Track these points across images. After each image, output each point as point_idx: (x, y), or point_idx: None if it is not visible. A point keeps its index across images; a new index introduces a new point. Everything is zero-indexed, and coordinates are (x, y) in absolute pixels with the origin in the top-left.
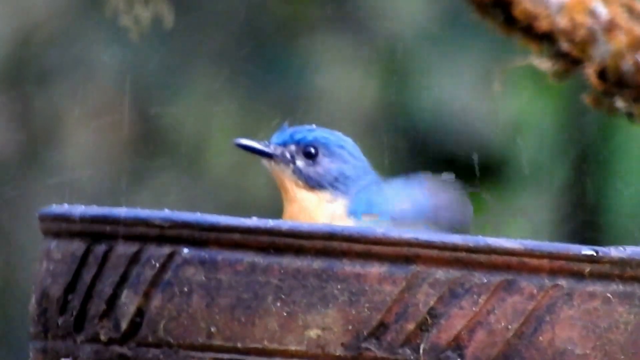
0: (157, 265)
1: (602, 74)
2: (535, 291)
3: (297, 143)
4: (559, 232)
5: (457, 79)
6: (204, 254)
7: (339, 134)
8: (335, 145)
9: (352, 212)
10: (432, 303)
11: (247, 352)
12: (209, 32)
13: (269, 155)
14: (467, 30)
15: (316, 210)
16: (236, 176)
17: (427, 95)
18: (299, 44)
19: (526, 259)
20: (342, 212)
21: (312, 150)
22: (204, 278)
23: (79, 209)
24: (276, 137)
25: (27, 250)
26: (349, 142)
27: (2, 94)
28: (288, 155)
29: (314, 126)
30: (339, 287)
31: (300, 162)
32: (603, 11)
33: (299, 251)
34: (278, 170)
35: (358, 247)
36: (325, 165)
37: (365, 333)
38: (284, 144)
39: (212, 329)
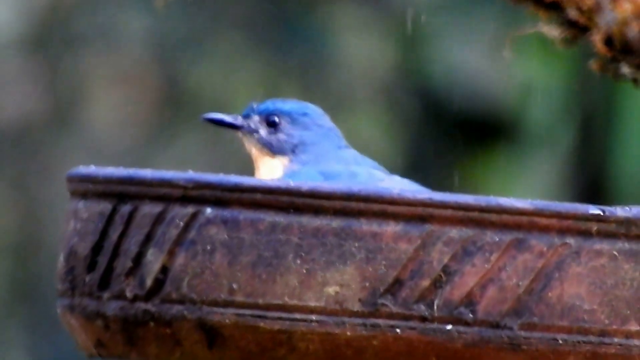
0: (181, 224)
1: (608, 41)
2: (544, 249)
3: (261, 113)
4: (566, 192)
5: (469, 45)
6: (227, 213)
7: (307, 104)
8: (298, 114)
9: (289, 175)
10: (445, 261)
11: (268, 308)
12: None
13: (236, 127)
14: None
15: (270, 173)
16: None
17: (441, 61)
18: (319, 11)
19: (536, 219)
20: (280, 173)
21: (275, 119)
22: (226, 237)
23: (105, 171)
24: (244, 111)
25: (56, 210)
26: (314, 110)
27: (31, 58)
28: (252, 126)
29: (278, 100)
30: (356, 245)
31: (262, 131)
32: None
33: (318, 211)
34: (245, 140)
35: (375, 207)
36: (287, 132)
37: (381, 289)
38: (249, 116)
39: (234, 286)
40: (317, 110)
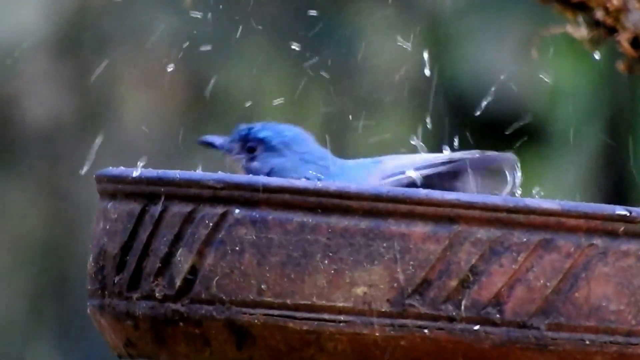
0: (211, 224)
1: (634, 42)
2: (572, 250)
3: (241, 139)
4: (592, 193)
5: (496, 47)
6: (255, 214)
7: (288, 127)
8: (272, 140)
9: None
10: (473, 261)
11: (296, 308)
12: (260, 0)
13: (225, 150)
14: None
15: None
16: None
17: (468, 62)
18: (348, 12)
19: (563, 219)
20: None
21: (253, 145)
22: (255, 237)
23: (134, 171)
24: (232, 134)
25: (85, 211)
26: (291, 135)
27: (60, 60)
28: (236, 150)
29: (260, 124)
30: (384, 245)
31: (244, 157)
32: None
33: (346, 211)
34: (232, 164)
35: (403, 207)
36: (262, 159)
37: (409, 290)
38: (234, 141)
39: (263, 286)
40: (295, 135)
